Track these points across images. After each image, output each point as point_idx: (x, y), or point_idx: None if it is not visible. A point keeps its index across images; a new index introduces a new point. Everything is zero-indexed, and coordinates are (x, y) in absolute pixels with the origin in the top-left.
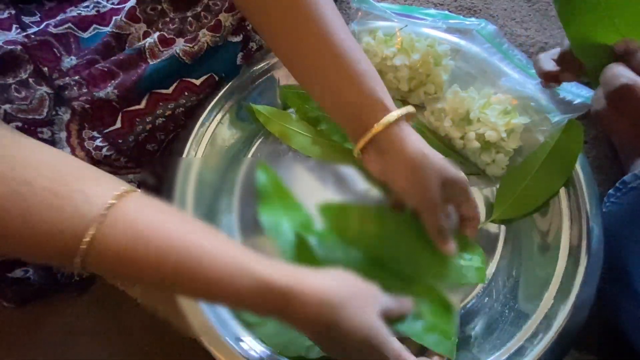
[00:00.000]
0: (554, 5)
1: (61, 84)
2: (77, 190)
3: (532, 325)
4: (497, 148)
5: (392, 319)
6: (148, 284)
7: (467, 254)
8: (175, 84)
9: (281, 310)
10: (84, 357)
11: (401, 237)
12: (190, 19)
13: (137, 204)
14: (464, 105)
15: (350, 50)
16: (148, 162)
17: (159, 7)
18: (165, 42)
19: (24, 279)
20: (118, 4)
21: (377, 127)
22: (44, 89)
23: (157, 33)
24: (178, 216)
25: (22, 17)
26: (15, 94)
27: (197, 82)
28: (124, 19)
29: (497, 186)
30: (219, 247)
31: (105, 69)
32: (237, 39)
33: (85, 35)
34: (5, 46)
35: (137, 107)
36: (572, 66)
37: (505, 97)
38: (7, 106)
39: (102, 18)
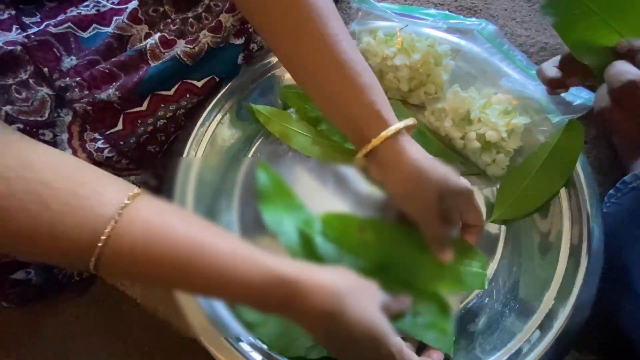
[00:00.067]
0: (546, 19)
1: (62, 84)
2: (95, 190)
3: (533, 326)
4: (497, 148)
5: (391, 315)
6: (159, 281)
7: (467, 259)
8: (176, 86)
9: (289, 301)
10: (84, 357)
11: (401, 245)
12: (191, 19)
13: (149, 205)
14: (464, 105)
15: (350, 60)
16: (149, 163)
17: (161, 9)
18: (166, 44)
19: (26, 281)
20: (118, 3)
21: (375, 141)
22: (45, 90)
23: (158, 34)
24: (187, 216)
25: (23, 17)
26: (16, 95)
27: (199, 84)
28: (126, 21)
29: (498, 186)
30: (230, 243)
31: (107, 71)
32: (239, 41)
33: (86, 34)
34: (5, 47)
35: (138, 108)
36: (575, 69)
37: (505, 97)
38: (8, 108)
39: (102, 17)
